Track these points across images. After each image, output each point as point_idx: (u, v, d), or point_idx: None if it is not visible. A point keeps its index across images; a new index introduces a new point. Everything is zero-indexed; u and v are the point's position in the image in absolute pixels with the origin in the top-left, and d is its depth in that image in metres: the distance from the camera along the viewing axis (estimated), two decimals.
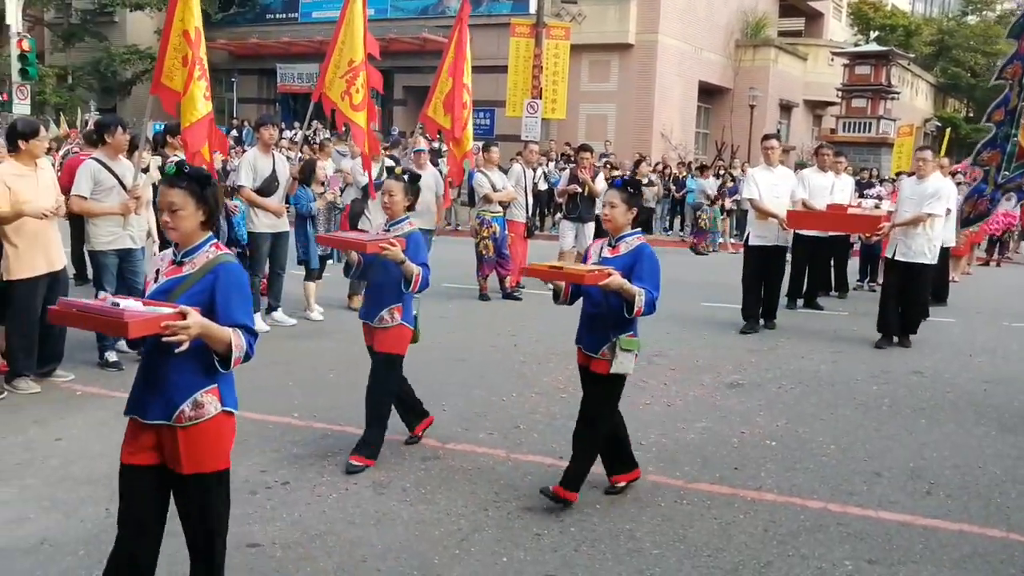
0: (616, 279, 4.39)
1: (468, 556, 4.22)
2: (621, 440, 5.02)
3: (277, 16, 33.91)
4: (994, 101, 5.98)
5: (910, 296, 9.19)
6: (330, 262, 10.65)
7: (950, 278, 12.99)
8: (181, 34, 7.44)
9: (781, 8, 38.38)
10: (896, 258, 9.11)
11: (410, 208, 5.42)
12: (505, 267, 11.37)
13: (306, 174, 9.33)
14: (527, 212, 11.95)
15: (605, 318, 4.66)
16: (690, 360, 8.34)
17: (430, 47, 28.07)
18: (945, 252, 11.68)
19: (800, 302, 11.41)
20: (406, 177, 5.40)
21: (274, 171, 8.89)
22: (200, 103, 7.49)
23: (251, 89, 35.04)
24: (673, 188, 21.94)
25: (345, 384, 7.05)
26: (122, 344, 7.84)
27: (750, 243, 9.87)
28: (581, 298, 4.86)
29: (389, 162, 10.94)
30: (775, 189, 9.64)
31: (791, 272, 11.34)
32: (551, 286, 4.85)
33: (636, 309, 4.45)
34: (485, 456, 5.56)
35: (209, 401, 3.26)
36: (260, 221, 8.85)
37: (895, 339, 9.25)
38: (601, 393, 4.79)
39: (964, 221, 7.18)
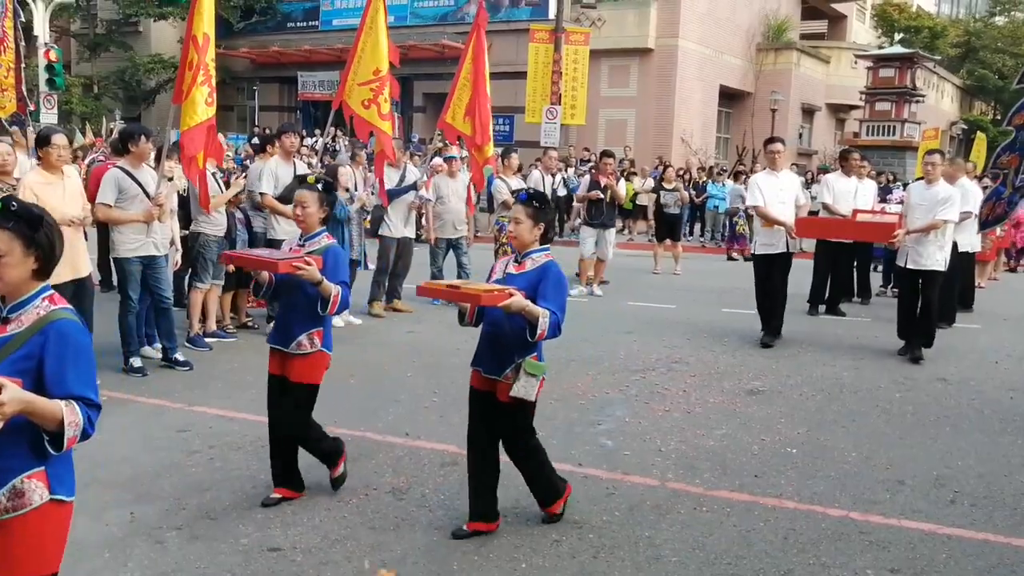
0: (517, 301, 4.05)
1: (487, 562, 4.23)
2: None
3: (298, 24, 34.10)
4: (1015, 105, 5.93)
5: (924, 303, 8.88)
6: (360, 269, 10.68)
7: (976, 284, 12.87)
8: (191, 39, 7.49)
9: (803, 11, 38.20)
10: (908, 266, 8.85)
11: (324, 221, 4.92)
12: None
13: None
14: None
15: (508, 338, 4.31)
16: (711, 366, 8.32)
17: (449, 54, 28.13)
18: (972, 257, 11.61)
19: (822, 308, 11.35)
20: (320, 186, 4.85)
21: (295, 178, 8.95)
22: (200, 108, 7.48)
23: (272, 97, 35.27)
24: (693, 193, 21.85)
25: (366, 390, 7.11)
26: (147, 350, 7.94)
27: (756, 252, 9.54)
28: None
29: (412, 169, 10.99)
30: (780, 195, 9.24)
31: (813, 278, 11.29)
32: (459, 307, 4.49)
33: (539, 332, 4.10)
34: (504, 462, 5.52)
35: (32, 488, 2.64)
36: (281, 228, 8.91)
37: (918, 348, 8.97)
38: (513, 422, 4.50)
39: (982, 224, 7.13)
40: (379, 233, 10.40)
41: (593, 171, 13.08)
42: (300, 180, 4.91)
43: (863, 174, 11.94)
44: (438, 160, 12.24)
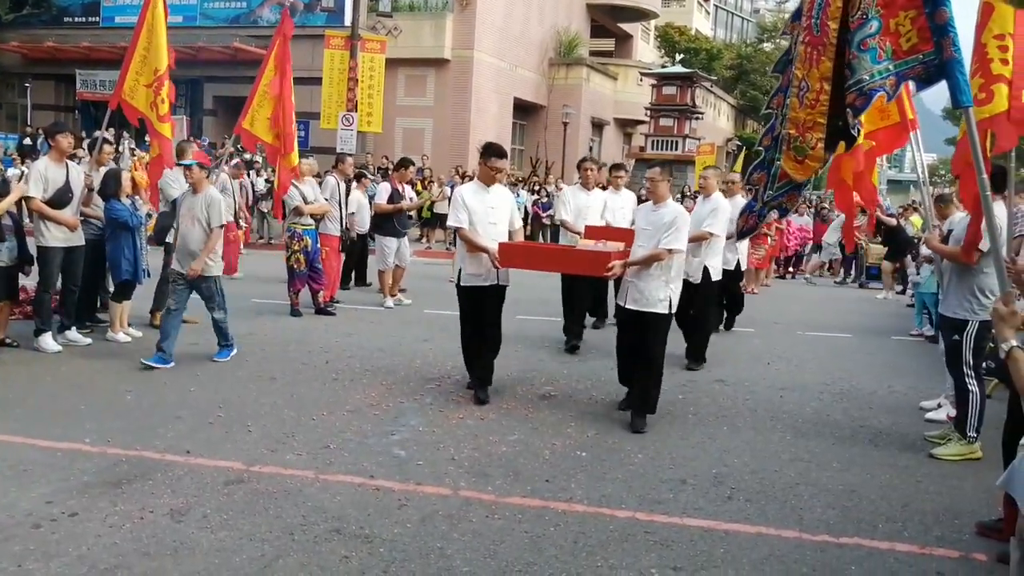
0: None
1: None
2: None
3: (76, 20, 32.13)
4: (764, 128, 6.42)
5: (643, 355, 6.91)
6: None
7: (751, 290, 13.63)
8: None
9: (592, 29, 39.60)
10: (627, 306, 6.93)
11: None
12: (318, 282, 11.11)
13: (112, 186, 8.74)
14: (341, 225, 11.74)
15: None
16: (505, 371, 8.37)
17: (242, 57, 27.33)
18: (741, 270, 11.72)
19: (600, 317, 11.11)
20: None
21: (68, 182, 8.36)
22: None
23: (48, 95, 33.05)
24: None
25: (144, 406, 6.69)
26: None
27: (462, 283, 7.44)
28: None
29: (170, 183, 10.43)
30: (491, 215, 7.37)
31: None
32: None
33: None
34: (292, 478, 5.36)
35: None
36: (51, 234, 8.30)
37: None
38: None
39: (738, 234, 7.57)
40: (167, 241, 9.85)
41: (392, 178, 12.98)
42: None
43: (619, 185, 10.63)
44: (234, 162, 11.77)
